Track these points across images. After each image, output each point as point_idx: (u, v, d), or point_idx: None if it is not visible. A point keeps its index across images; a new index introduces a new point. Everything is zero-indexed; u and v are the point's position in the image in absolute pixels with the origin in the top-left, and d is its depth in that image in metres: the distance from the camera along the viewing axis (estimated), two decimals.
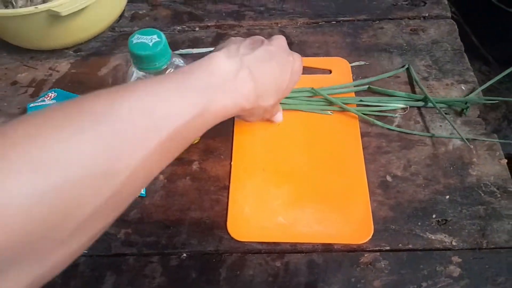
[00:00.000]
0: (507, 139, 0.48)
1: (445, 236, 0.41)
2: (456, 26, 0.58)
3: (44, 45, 0.57)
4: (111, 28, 0.61)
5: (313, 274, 0.39)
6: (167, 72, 0.38)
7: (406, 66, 0.53)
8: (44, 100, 0.50)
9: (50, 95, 0.51)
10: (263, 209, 0.43)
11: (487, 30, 1.29)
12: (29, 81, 0.55)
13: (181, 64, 0.39)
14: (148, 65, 0.36)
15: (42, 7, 0.49)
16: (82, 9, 0.51)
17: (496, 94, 0.50)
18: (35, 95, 0.53)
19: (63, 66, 0.57)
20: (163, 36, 0.36)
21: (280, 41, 0.39)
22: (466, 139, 0.47)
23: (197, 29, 0.60)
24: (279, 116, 0.47)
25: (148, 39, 0.35)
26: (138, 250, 0.41)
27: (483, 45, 1.33)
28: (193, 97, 0.29)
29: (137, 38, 0.35)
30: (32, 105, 0.49)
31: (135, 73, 0.38)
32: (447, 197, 0.43)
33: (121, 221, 0.43)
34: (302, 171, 0.45)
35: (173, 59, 0.38)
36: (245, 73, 0.33)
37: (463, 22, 1.38)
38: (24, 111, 0.51)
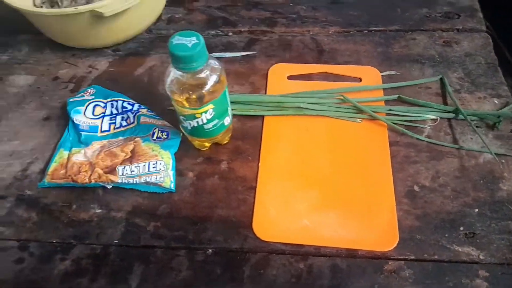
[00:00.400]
0: None
1: (472, 249, 0.40)
2: (490, 40, 0.58)
3: (86, 44, 0.60)
4: (149, 30, 0.63)
5: (336, 278, 0.39)
6: (203, 73, 0.39)
7: (440, 77, 0.53)
8: (83, 96, 0.52)
9: (89, 91, 0.53)
10: (289, 211, 0.44)
11: None
12: (70, 77, 0.58)
13: (216, 66, 0.40)
14: (186, 65, 0.37)
15: (87, 7, 0.51)
16: (124, 11, 0.54)
17: None
18: (75, 91, 0.56)
19: (102, 64, 0.59)
20: (202, 39, 0.37)
21: None
22: (498, 153, 0.46)
23: (230, 34, 0.62)
24: None
25: (188, 41, 0.37)
26: (166, 243, 0.42)
27: None
28: None
29: (177, 40, 0.37)
30: (72, 99, 0.52)
31: (173, 72, 0.40)
32: (476, 210, 0.43)
33: (151, 214, 0.44)
34: (328, 176, 0.46)
35: (209, 61, 0.40)
36: None
37: (497, 36, 1.35)
38: (64, 105, 0.53)
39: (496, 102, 0.51)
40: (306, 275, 0.40)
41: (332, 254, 0.41)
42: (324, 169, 0.46)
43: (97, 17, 0.53)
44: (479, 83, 0.53)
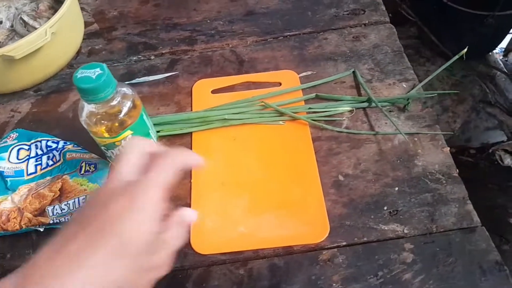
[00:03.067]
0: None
1: (397, 226, 0.43)
2: (394, 30, 0.62)
3: (4, 89, 0.59)
4: (69, 65, 0.63)
5: (276, 277, 0.41)
6: (114, 101, 0.40)
7: (352, 70, 0.57)
8: (6, 141, 0.51)
9: (12, 136, 0.52)
10: (225, 220, 0.45)
11: (444, 29, 1.36)
12: None
13: (128, 92, 0.41)
14: (94, 96, 0.38)
15: None
16: (37, 51, 0.54)
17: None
18: None
19: (24, 106, 0.58)
20: (106, 68, 0.38)
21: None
22: (410, 133, 0.50)
23: (152, 57, 0.63)
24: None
25: (91, 73, 0.37)
26: None
27: (443, 43, 1.40)
28: None
29: (81, 73, 0.37)
30: None
31: (86, 106, 0.40)
32: (396, 188, 0.46)
33: None
34: (259, 181, 0.48)
35: (119, 89, 0.40)
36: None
37: (422, 24, 1.45)
38: None
39: (404, 86, 0.55)
40: (247, 279, 0.41)
41: (270, 255, 0.42)
42: (255, 174, 0.48)
43: (10, 61, 0.52)
44: (388, 70, 0.57)
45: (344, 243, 0.43)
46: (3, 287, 0.24)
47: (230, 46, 0.63)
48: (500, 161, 1.41)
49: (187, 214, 0.31)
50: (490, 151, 1.40)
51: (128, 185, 0.27)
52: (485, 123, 1.44)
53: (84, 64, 0.38)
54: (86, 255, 0.24)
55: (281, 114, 0.52)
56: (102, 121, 0.41)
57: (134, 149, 0.29)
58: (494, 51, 1.55)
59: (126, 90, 0.42)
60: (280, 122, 0.52)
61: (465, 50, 0.53)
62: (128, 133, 0.42)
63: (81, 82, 0.37)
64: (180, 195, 0.47)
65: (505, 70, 1.50)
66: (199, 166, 0.32)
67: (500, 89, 1.47)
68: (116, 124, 0.41)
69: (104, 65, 0.38)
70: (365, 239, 0.43)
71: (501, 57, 1.60)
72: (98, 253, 0.24)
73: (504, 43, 1.59)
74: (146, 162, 0.29)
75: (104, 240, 0.25)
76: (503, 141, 1.43)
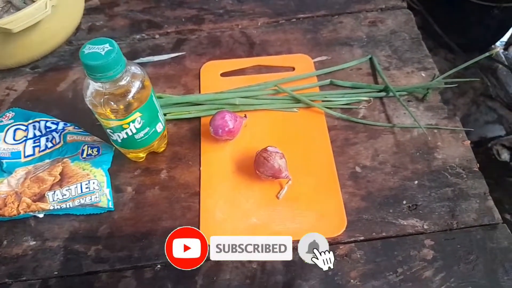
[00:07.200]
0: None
1: (416, 221, 0.42)
2: (412, 16, 0.60)
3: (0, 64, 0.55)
4: (68, 42, 0.59)
5: (290, 272, 0.39)
6: (123, 80, 0.37)
7: (369, 57, 0.54)
8: (2, 121, 0.48)
9: (8, 115, 0.49)
10: (236, 211, 0.42)
11: (449, 19, 1.33)
12: None
13: (137, 72, 0.38)
14: (103, 75, 0.35)
15: None
16: (35, 24, 0.50)
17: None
18: None
19: (20, 84, 0.55)
20: (116, 44, 0.35)
21: None
22: (430, 124, 0.48)
23: (157, 36, 0.59)
24: None
25: (100, 48, 0.34)
26: (110, 265, 0.40)
27: (447, 34, 1.37)
28: None
29: (88, 48, 0.34)
30: None
31: (91, 84, 0.37)
32: (416, 182, 0.44)
33: (91, 238, 0.41)
34: None
35: (129, 67, 0.37)
36: None
37: (425, 12, 1.42)
38: None
39: (423, 75, 0.53)
40: (260, 274, 0.39)
41: None
42: None
43: (6, 34, 0.49)
44: (406, 58, 0.54)
45: (362, 238, 0.41)
46: None
47: (240, 27, 0.60)
48: (497, 156, 1.41)
49: None
50: (489, 145, 1.39)
51: None
52: (485, 116, 1.43)
53: (88, 41, 0.35)
54: None
55: (295, 100, 0.50)
56: (109, 102, 0.37)
57: None
58: (496, 44, 1.53)
59: (135, 69, 0.39)
60: (294, 109, 0.49)
61: (496, 50, 0.50)
62: (137, 115, 0.39)
63: (89, 58, 0.34)
64: (189, 183, 0.45)
65: (506, 63, 1.48)
66: None
67: (501, 82, 1.46)
68: (125, 105, 0.38)
69: (113, 41, 0.35)
70: (383, 234, 0.41)
71: (502, 51, 1.59)
72: None
73: (505, 37, 1.57)
74: None
75: None
76: (501, 136, 1.42)
